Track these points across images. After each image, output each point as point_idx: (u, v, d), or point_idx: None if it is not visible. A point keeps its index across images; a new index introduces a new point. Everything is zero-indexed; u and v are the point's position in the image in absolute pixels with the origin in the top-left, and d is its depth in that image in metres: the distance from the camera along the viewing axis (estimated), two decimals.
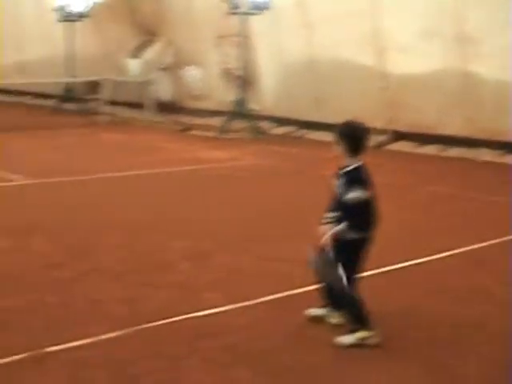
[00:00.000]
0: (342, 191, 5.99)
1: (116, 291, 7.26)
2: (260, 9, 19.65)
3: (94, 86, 26.24)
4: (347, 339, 6.01)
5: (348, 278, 6.01)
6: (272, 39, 20.70)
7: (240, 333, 6.30)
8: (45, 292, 7.20)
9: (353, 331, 6.05)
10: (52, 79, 26.68)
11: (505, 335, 6.33)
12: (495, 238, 9.52)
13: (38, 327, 6.33)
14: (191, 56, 23.51)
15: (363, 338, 6.00)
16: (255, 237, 9.51)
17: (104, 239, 9.21)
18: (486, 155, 16.72)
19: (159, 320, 6.50)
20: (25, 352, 5.74)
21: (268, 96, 21.52)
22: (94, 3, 25.29)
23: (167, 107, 24.32)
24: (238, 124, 20.40)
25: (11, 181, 13.03)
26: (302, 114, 20.41)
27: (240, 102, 20.45)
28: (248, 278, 7.79)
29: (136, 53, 24.63)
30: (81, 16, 25.36)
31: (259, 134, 20.06)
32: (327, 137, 19.28)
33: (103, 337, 6.13)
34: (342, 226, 5.94)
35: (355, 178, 5.95)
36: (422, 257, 8.60)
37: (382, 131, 18.15)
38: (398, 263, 8.33)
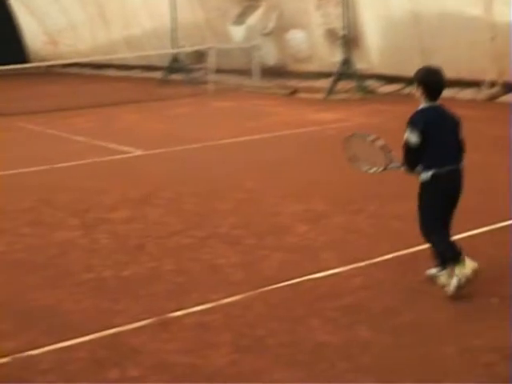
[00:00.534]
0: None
1: (234, 256, 7.35)
2: None
3: (199, 56, 26.44)
4: (451, 287, 6.05)
5: (435, 219, 6.18)
6: None
7: (359, 293, 6.28)
8: (164, 260, 7.35)
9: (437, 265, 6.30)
10: (158, 51, 27.02)
11: None
12: None
13: (159, 294, 6.47)
14: (294, 19, 23.35)
15: (458, 274, 5.99)
16: (368, 196, 9.42)
17: (219, 205, 9.32)
18: None
19: (278, 283, 6.55)
20: (150, 318, 5.90)
21: (374, 54, 21.20)
22: None
23: (273, 72, 24.28)
24: (345, 84, 20.21)
25: (125, 153, 13.31)
26: (410, 70, 19.92)
27: (345, 62, 20.23)
28: (364, 238, 7.75)
29: (239, 19, 24.64)
30: None
31: (366, 94, 19.83)
32: None
33: (224, 301, 6.22)
34: (395, 165, 6.37)
35: (410, 120, 6.19)
36: None
37: (493, 83, 17.63)
38: None
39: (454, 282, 6.01)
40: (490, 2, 17.59)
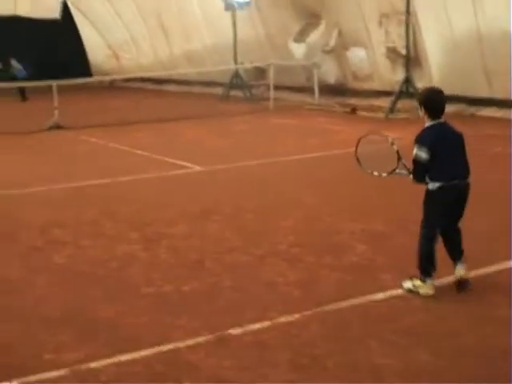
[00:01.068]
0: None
1: (292, 274, 7.35)
2: None
3: (259, 72, 26.57)
4: (406, 284, 6.73)
5: (433, 227, 6.65)
6: (437, 14, 20.19)
7: (419, 315, 6.23)
8: (223, 276, 7.38)
9: (411, 278, 6.72)
10: (220, 67, 27.22)
11: None
12: None
13: (218, 310, 6.51)
14: (355, 37, 23.32)
15: (416, 286, 6.62)
16: None
17: (279, 222, 9.33)
18: None
19: (336, 302, 6.53)
20: (208, 334, 5.93)
21: (435, 73, 21.03)
22: None
23: (333, 90, 24.28)
24: (406, 103, 20.08)
25: (185, 168, 13.42)
26: (472, 90, 19.81)
27: (406, 81, 20.12)
28: None
29: (300, 37, 24.69)
30: (244, 4, 25.63)
31: None
32: (499, 113, 18.77)
33: (282, 319, 6.22)
34: (402, 172, 6.82)
35: (417, 138, 6.59)
36: None
37: None
38: None
39: (408, 285, 6.69)
40: None
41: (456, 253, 6.82)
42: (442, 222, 6.73)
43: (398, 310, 6.38)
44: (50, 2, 35.78)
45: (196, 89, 30.67)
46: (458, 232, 6.84)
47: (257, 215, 9.79)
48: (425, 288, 6.62)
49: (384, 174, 6.99)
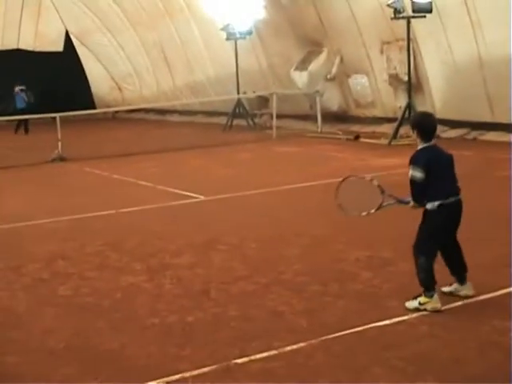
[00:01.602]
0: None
1: (298, 303, 7.32)
2: (423, 11, 19.28)
3: (262, 101, 26.71)
4: (411, 304, 6.82)
5: (433, 245, 6.86)
6: (438, 40, 20.31)
7: (426, 341, 6.19)
8: (228, 306, 7.36)
9: (416, 297, 6.81)
10: (223, 97, 27.35)
11: None
12: None
13: (224, 340, 6.48)
14: (357, 64, 23.45)
15: (423, 303, 6.73)
16: None
17: (284, 251, 9.33)
18: None
19: (342, 330, 6.50)
20: (214, 364, 5.90)
21: (437, 99, 21.12)
22: (256, 21, 25.66)
23: (336, 117, 24.38)
24: (409, 129, 20.10)
25: (189, 198, 13.44)
26: (474, 115, 19.88)
27: (409, 107, 20.18)
28: None
29: (302, 65, 24.81)
30: (246, 33, 25.79)
31: None
32: (502, 137, 18.78)
33: (287, 348, 6.19)
34: (405, 200, 7.08)
35: (412, 159, 6.89)
36: None
37: None
38: None
39: (414, 304, 6.79)
40: None
41: (461, 268, 7.10)
42: (443, 239, 6.99)
43: (404, 336, 6.34)
44: (53, 35, 36.08)
45: (199, 119, 30.84)
46: (458, 246, 7.11)
47: (262, 244, 9.79)
48: (432, 303, 6.76)
49: (372, 211, 7.15)
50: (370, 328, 6.54)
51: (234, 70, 26.44)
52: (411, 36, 20.02)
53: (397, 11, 19.38)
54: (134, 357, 6.23)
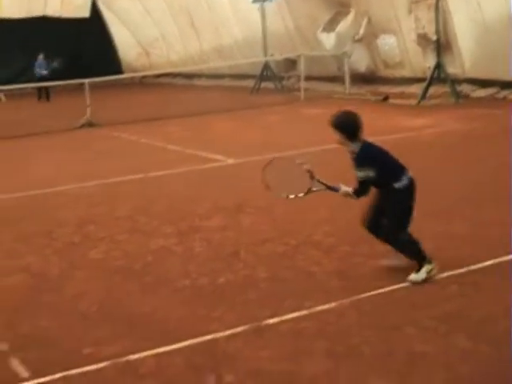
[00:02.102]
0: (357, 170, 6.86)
1: (327, 263, 7.34)
2: None
3: (289, 63, 26.54)
4: (418, 276, 6.61)
5: (407, 223, 6.75)
6: None
7: (456, 300, 6.19)
8: (258, 267, 7.39)
9: (419, 269, 6.64)
10: (250, 60, 27.22)
11: None
12: None
13: (254, 301, 6.52)
14: (385, 24, 23.18)
15: (430, 271, 6.62)
16: (463, 201, 9.27)
17: (312, 213, 9.31)
18: None
19: (372, 290, 6.51)
20: (245, 324, 5.94)
21: (467, 58, 20.84)
22: None
23: (364, 78, 24.19)
24: (437, 89, 19.95)
25: (217, 161, 13.44)
26: (504, 74, 19.62)
27: (438, 67, 19.97)
28: (460, 245, 7.63)
29: (329, 26, 24.58)
30: None
31: (460, 99, 19.52)
32: None
33: (318, 308, 6.22)
34: (335, 187, 7.12)
35: (359, 161, 6.84)
36: None
37: None
38: None
39: (421, 276, 6.60)
40: None
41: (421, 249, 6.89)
42: (411, 212, 6.85)
43: (434, 296, 6.33)
44: (79, 1, 36.00)
45: (226, 82, 30.73)
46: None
47: (290, 206, 9.75)
48: (436, 267, 6.69)
49: (301, 195, 7.07)
50: (401, 288, 6.54)
51: (261, 32, 26.28)
52: None
53: None
54: (165, 319, 6.28)
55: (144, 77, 34.95)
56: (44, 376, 5.34)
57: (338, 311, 6.15)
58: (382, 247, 7.74)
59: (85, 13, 36.16)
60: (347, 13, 24.20)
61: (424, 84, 20.13)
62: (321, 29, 24.64)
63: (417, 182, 6.85)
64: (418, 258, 6.71)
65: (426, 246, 7.60)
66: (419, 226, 7.69)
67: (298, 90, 23.70)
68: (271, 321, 6.01)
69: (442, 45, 20.14)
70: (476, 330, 5.58)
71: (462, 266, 6.89)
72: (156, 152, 15.16)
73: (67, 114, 21.85)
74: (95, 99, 20.74)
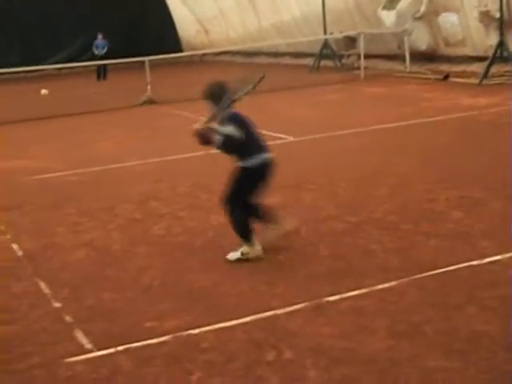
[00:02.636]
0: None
1: (388, 242, 7.32)
2: None
3: (349, 42, 26.36)
4: (233, 255, 7.10)
5: (243, 199, 7.10)
6: None
7: None
8: (319, 244, 7.40)
9: (236, 249, 7.09)
10: (309, 38, 27.09)
11: None
12: None
13: (315, 278, 6.53)
14: (446, 1, 22.85)
15: (245, 253, 7.04)
16: None
17: (373, 191, 9.30)
18: None
19: (433, 269, 6.47)
20: (305, 301, 5.97)
21: None
22: None
23: (424, 56, 23.91)
24: (500, 68, 19.62)
25: (278, 139, 13.44)
26: None
27: (500, 45, 19.63)
28: None
29: (389, 4, 24.32)
30: None
31: None
32: None
33: (379, 287, 6.21)
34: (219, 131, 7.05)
35: (229, 118, 7.08)
36: None
37: None
38: None
39: (236, 255, 7.07)
40: None
41: (270, 216, 7.28)
42: (252, 195, 7.16)
43: (497, 276, 6.26)
44: None
45: (286, 60, 30.66)
46: (259, 205, 7.27)
47: (350, 184, 9.77)
48: (254, 252, 7.06)
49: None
50: (463, 267, 6.49)
51: (320, 9, 26.13)
52: None
53: None
54: (226, 294, 6.34)
55: (204, 54, 35.05)
56: (107, 348, 5.43)
57: (399, 290, 6.13)
58: (445, 226, 7.72)
59: None
60: None
61: (486, 63, 19.80)
62: (381, 6, 24.40)
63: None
64: (242, 237, 7.10)
65: (489, 226, 7.53)
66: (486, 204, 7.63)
67: (358, 68, 23.55)
68: (332, 298, 6.02)
69: (505, 22, 19.79)
70: None
71: None
72: None
73: (127, 92, 22.06)
74: (155, 77, 20.88)
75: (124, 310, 6.20)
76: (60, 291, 6.70)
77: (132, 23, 35.42)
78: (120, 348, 5.42)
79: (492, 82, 19.06)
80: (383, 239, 7.39)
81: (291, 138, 13.41)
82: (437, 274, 6.39)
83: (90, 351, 5.43)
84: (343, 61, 26.33)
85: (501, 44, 19.55)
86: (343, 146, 12.56)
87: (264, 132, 13.94)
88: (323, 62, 26.19)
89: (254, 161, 7.07)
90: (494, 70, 19.60)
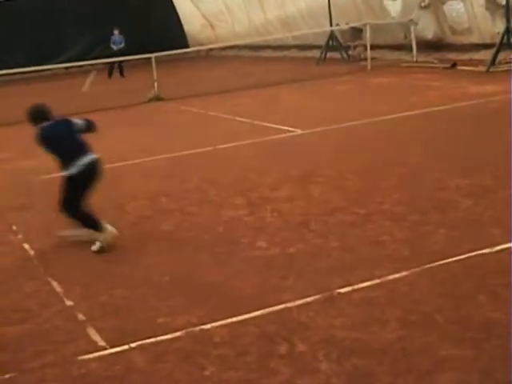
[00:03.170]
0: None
1: (398, 232, 7.32)
2: None
3: (355, 33, 26.28)
4: (96, 247, 7.68)
5: (77, 200, 7.77)
6: None
7: None
8: (329, 237, 7.41)
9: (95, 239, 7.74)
10: (315, 30, 27.03)
11: None
12: None
13: (325, 270, 6.54)
14: None
15: (103, 240, 7.68)
16: None
17: (382, 181, 9.28)
18: None
19: (444, 259, 6.47)
20: (317, 294, 5.98)
21: None
22: None
23: (431, 45, 23.83)
24: (507, 55, 19.54)
25: (286, 132, 13.45)
26: None
27: (507, 32, 19.53)
28: None
29: None
30: None
31: None
32: None
33: (389, 277, 6.21)
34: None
35: (36, 141, 7.77)
36: None
37: None
38: None
39: (97, 246, 7.65)
40: None
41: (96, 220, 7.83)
42: (80, 199, 7.78)
43: (507, 264, 6.24)
44: None
45: (292, 53, 30.62)
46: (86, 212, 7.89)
47: (359, 175, 9.76)
48: (108, 234, 7.74)
49: None
50: (473, 256, 6.49)
51: (326, 1, 26.06)
52: None
53: None
54: (237, 288, 6.35)
55: (210, 50, 35.02)
56: (120, 345, 5.46)
57: (410, 280, 6.13)
58: (455, 215, 7.71)
59: None
60: None
61: (493, 50, 19.71)
62: None
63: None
64: (93, 227, 7.75)
65: (499, 214, 7.54)
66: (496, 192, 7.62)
67: (365, 59, 23.49)
68: (343, 290, 6.03)
69: (511, 9, 19.68)
70: None
71: None
72: (224, 124, 15.23)
73: (136, 89, 22.07)
74: (162, 73, 20.90)
75: (136, 306, 6.22)
76: (72, 289, 6.73)
77: (136, 20, 35.36)
78: (133, 345, 5.45)
79: (499, 69, 18.98)
80: (393, 230, 7.38)
81: (299, 131, 13.40)
82: (447, 263, 6.38)
83: (104, 348, 5.46)
84: (350, 52, 26.26)
85: (507, 31, 19.44)
86: (351, 137, 12.54)
87: (272, 125, 14.10)
88: (330, 54, 26.13)
89: (72, 170, 7.65)
90: (501, 57, 19.49)
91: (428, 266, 6.35)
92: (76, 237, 8.07)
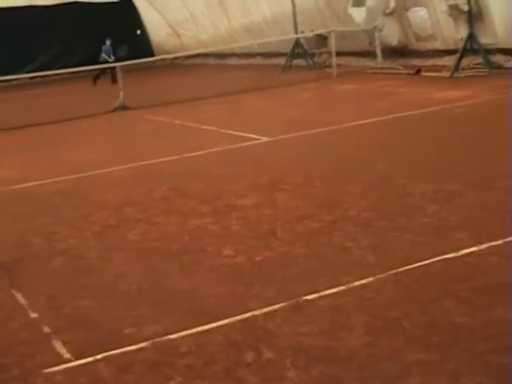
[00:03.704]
0: None
1: (364, 238, 7.32)
2: None
3: (320, 40, 26.40)
4: None
5: None
6: None
7: (496, 272, 6.13)
8: (295, 244, 7.40)
9: None
10: (280, 37, 27.11)
11: None
12: None
13: (292, 278, 6.52)
14: None
15: None
16: (499, 172, 9.18)
17: (348, 188, 9.30)
18: None
19: (410, 264, 6.47)
20: (283, 301, 5.96)
21: (500, 28, 20.55)
22: None
23: (396, 52, 24.00)
24: (471, 61, 19.73)
25: (252, 140, 13.45)
26: None
27: (470, 38, 19.72)
28: (499, 215, 7.55)
29: (359, 1, 24.38)
30: None
31: (494, 69, 19.27)
32: None
33: (356, 284, 6.20)
34: None
35: None
36: None
37: None
38: None
39: None
40: None
41: None
42: None
43: (473, 268, 6.29)
44: None
45: (258, 61, 30.69)
46: None
47: (326, 182, 9.78)
48: None
49: None
50: (439, 260, 6.50)
51: (291, 9, 26.15)
52: None
53: None
54: (204, 297, 6.32)
55: (175, 58, 34.98)
56: (86, 357, 5.39)
57: (376, 286, 6.14)
58: (421, 220, 7.74)
59: None
60: None
61: (456, 56, 19.90)
62: (351, 3, 24.46)
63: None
64: None
65: (464, 218, 7.58)
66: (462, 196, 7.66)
67: (330, 66, 23.60)
68: (309, 297, 6.02)
69: (474, 15, 19.87)
70: None
71: (500, 238, 6.82)
72: (191, 133, 15.21)
73: (102, 98, 21.98)
74: (128, 83, 20.83)
75: (102, 317, 6.16)
76: (37, 301, 6.66)
77: (104, 30, 35.23)
78: (99, 356, 5.38)
79: (463, 75, 19.16)
80: (359, 236, 7.39)
81: (266, 138, 13.40)
82: (413, 268, 6.39)
83: (69, 361, 5.39)
84: (315, 59, 26.36)
85: (470, 37, 19.64)
86: (318, 144, 12.57)
87: (239, 133, 14.10)
88: (295, 61, 26.23)
89: None
90: (464, 62, 19.69)
91: (394, 271, 6.35)
92: None
